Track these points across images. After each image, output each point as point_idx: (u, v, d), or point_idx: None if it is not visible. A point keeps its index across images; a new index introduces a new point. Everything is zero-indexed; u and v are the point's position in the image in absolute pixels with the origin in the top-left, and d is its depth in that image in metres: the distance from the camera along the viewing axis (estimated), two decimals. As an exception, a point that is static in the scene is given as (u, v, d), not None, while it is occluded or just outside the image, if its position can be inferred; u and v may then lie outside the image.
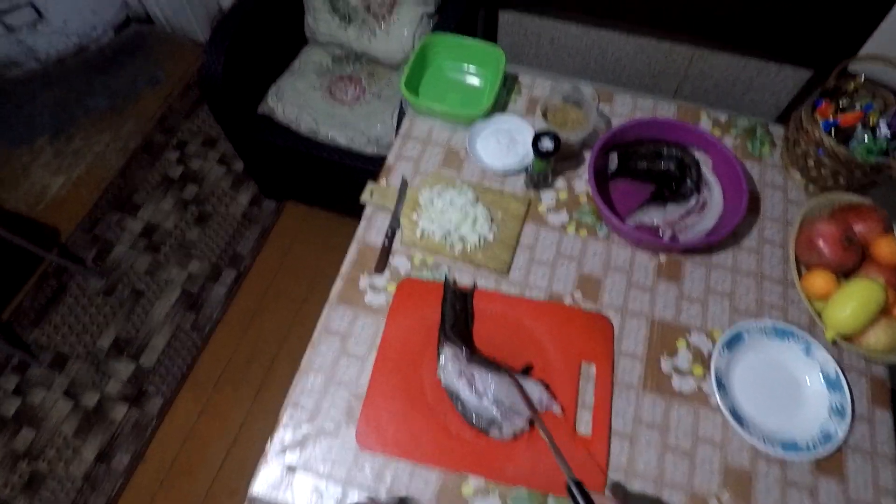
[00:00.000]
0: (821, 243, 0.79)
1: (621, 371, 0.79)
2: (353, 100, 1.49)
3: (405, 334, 0.81)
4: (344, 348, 0.82)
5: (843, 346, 0.78)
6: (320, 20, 1.54)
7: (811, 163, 0.89)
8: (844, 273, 0.81)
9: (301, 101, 1.48)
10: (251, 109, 1.52)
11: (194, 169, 1.96)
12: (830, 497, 0.71)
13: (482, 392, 0.73)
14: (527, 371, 0.77)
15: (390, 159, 1.00)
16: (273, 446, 0.75)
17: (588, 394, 0.77)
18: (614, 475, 0.72)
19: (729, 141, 1.01)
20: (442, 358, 0.77)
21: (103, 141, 2.03)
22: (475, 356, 0.76)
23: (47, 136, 2.03)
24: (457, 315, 0.81)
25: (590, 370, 0.79)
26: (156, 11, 2.21)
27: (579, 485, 0.58)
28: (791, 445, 0.72)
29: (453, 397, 0.75)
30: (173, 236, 1.82)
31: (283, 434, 0.75)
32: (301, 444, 0.75)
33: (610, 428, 0.75)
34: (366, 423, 0.76)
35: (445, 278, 0.85)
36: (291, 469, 0.73)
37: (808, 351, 0.78)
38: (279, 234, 1.84)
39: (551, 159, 0.87)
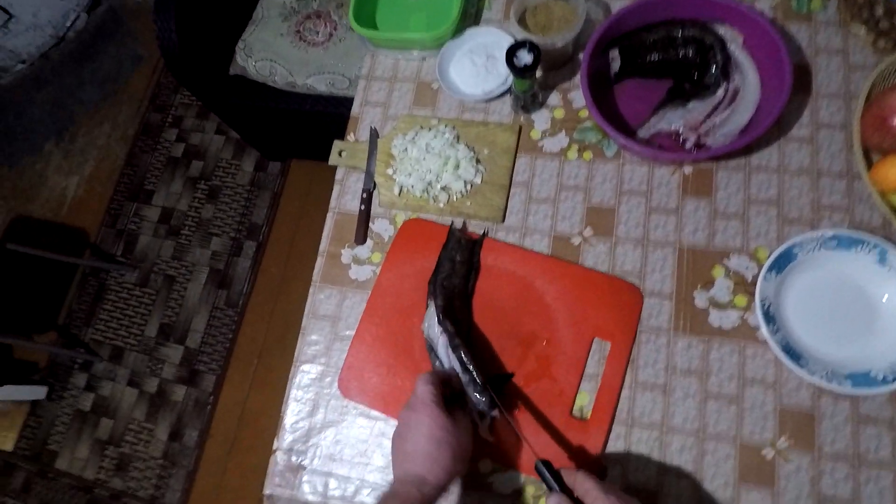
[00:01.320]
0: (894, 120, 0.61)
1: (647, 314, 0.68)
2: (326, 39, 1.33)
3: (400, 281, 0.74)
4: (335, 332, 0.75)
5: (929, 246, 0.62)
6: (270, -48, 1.35)
7: (880, 10, 0.68)
8: (930, 153, 0.63)
9: (271, 53, 1.34)
10: (223, 72, 1.40)
11: (195, 144, 1.90)
12: (916, 430, 0.59)
13: (443, 359, 0.64)
14: (499, 381, 0.64)
15: (355, 109, 0.87)
16: (280, 444, 0.72)
17: (595, 372, 0.67)
18: (646, 433, 0.64)
19: (764, 2, 0.79)
20: (428, 310, 0.69)
21: (104, 132, 1.99)
22: (445, 321, 0.66)
23: (53, 139, 2.02)
24: (454, 267, 0.71)
25: (603, 348, 0.68)
26: (120, -19, 2.07)
27: (547, 464, 0.51)
28: (863, 378, 0.59)
29: (432, 354, 0.67)
30: (190, 217, 1.81)
31: (287, 436, 0.72)
32: (307, 437, 0.71)
33: (613, 415, 0.65)
34: (348, 370, 0.72)
35: (451, 225, 0.74)
36: (301, 467, 0.70)
37: (883, 259, 0.62)
38: (290, 196, 1.78)
39: (534, 75, 0.71)
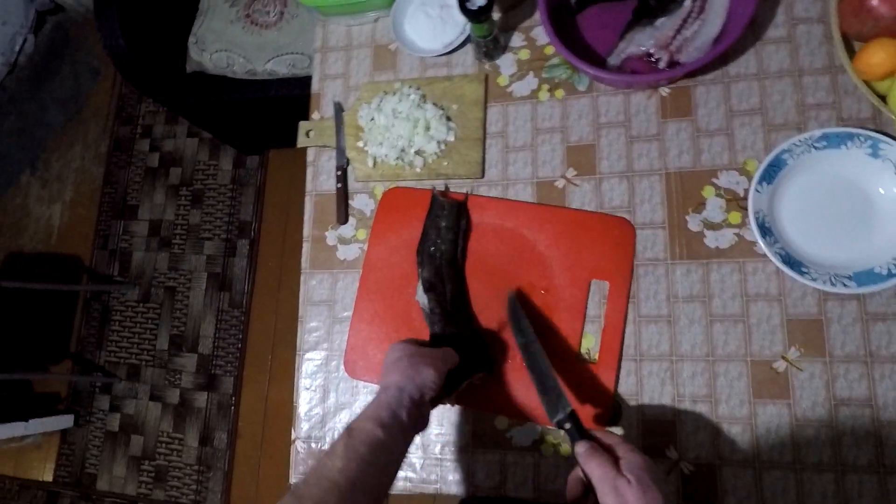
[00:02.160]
0: (874, 1, 0.57)
1: (641, 247, 0.67)
2: (278, 18, 1.28)
3: (389, 254, 0.73)
4: (333, 315, 0.74)
5: (922, 129, 0.59)
6: (204, -65, 1.28)
7: None
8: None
9: (225, 43, 1.29)
10: (180, 72, 1.36)
11: (169, 150, 1.86)
12: (927, 318, 0.58)
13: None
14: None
15: (314, 86, 0.84)
16: (298, 433, 0.72)
17: (597, 314, 0.66)
18: (656, 365, 0.63)
19: None
20: (419, 281, 0.68)
21: (77, 154, 1.95)
22: (428, 294, 0.65)
23: (27, 169, 1.98)
24: (440, 233, 0.69)
25: (602, 288, 0.66)
26: (60, -5, 1.98)
27: (573, 415, 0.51)
28: (867, 276, 0.58)
29: (428, 321, 0.66)
30: (178, 226, 1.78)
31: (303, 425, 0.72)
32: (322, 423, 0.71)
33: (621, 353, 0.64)
34: (351, 350, 0.71)
35: (433, 191, 0.72)
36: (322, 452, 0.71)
37: (875, 151, 0.60)
38: (273, 187, 1.75)
39: (490, 17, 0.68)
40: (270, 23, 1.28)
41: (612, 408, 0.62)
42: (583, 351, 0.65)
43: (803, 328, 0.61)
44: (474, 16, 0.66)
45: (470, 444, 0.67)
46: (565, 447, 0.64)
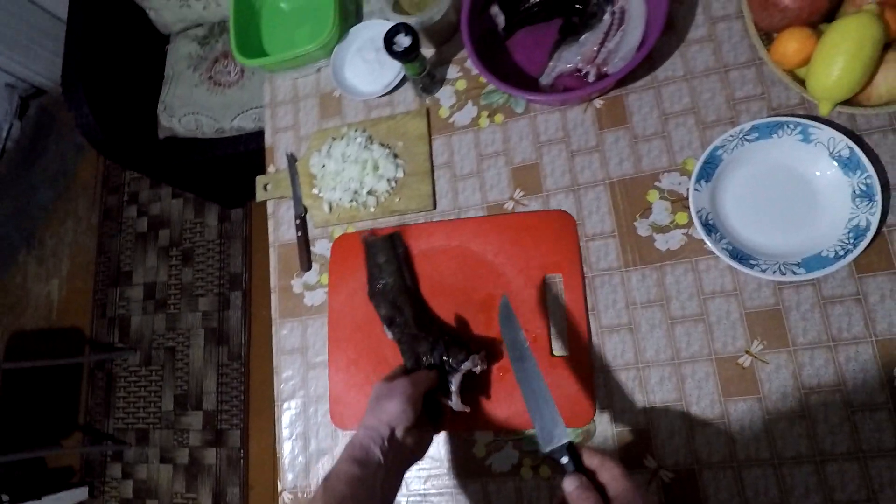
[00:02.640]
0: (777, -7, 0.59)
1: (594, 258, 0.67)
2: (238, 76, 1.32)
3: (350, 298, 0.74)
4: (306, 361, 0.75)
5: (848, 112, 0.60)
6: (160, 9, 1.34)
7: None
8: (824, 19, 0.61)
9: (192, 106, 1.34)
10: (153, 139, 1.40)
11: (156, 214, 1.90)
12: (884, 292, 0.58)
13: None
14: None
15: (267, 140, 0.86)
16: (284, 484, 0.72)
17: (558, 307, 0.66)
18: (623, 374, 0.63)
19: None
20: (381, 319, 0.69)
21: (69, 228, 2.01)
22: (392, 330, 0.66)
23: (23, 249, 2.04)
24: (382, 270, 0.70)
25: (556, 282, 0.67)
26: (42, 81, 2.07)
27: (570, 446, 0.48)
28: (815, 261, 0.58)
29: (404, 354, 0.67)
30: (172, 286, 1.81)
31: (288, 475, 0.72)
32: (306, 471, 0.72)
33: (590, 339, 0.64)
34: (335, 402, 0.71)
35: (361, 235, 0.74)
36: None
37: (806, 137, 0.60)
38: (259, 237, 1.77)
39: (418, 55, 0.70)
40: (232, 81, 1.32)
41: (594, 399, 0.62)
42: (554, 347, 0.65)
43: (763, 320, 0.60)
44: (401, 57, 0.68)
45: (451, 475, 0.66)
46: (545, 469, 0.63)
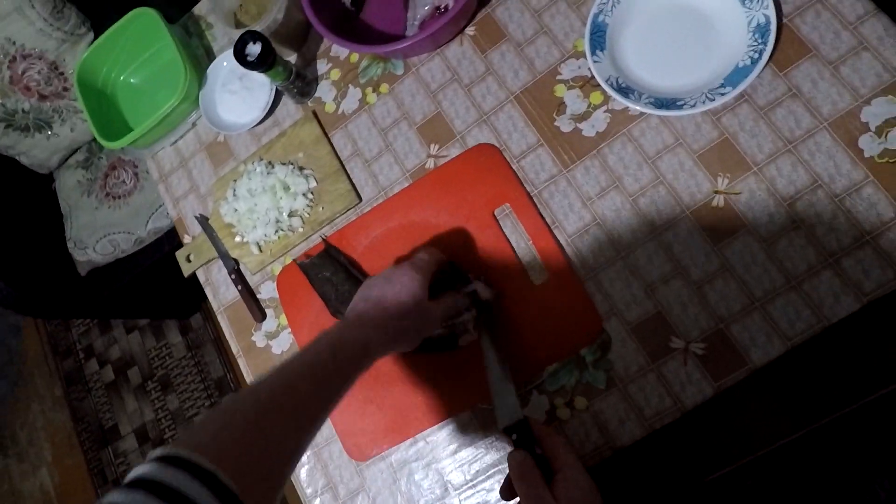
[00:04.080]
0: None
1: (533, 174, 0.63)
2: (134, 181, 1.26)
3: (315, 326, 0.68)
4: (300, 411, 0.68)
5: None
6: (29, 150, 1.27)
7: None
8: None
9: (101, 230, 1.26)
10: (76, 279, 1.32)
11: (118, 357, 1.79)
12: (813, 78, 0.55)
13: None
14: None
15: (172, 214, 0.81)
16: (326, 550, 0.64)
17: (520, 235, 0.62)
18: (612, 271, 0.59)
19: None
20: None
21: (36, 412, 1.87)
22: None
23: (-2, 453, 1.89)
24: (333, 282, 0.65)
25: (508, 213, 0.63)
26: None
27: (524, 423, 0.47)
28: (736, 74, 0.55)
29: None
30: (162, 420, 1.70)
31: (323, 533, 0.65)
32: (346, 523, 0.64)
33: (564, 253, 0.60)
34: (346, 437, 0.65)
35: (295, 262, 0.69)
36: (357, 553, 0.63)
37: (673, -33, 0.59)
38: (230, 332, 1.69)
39: (275, 60, 0.66)
40: (130, 189, 1.26)
41: (595, 309, 0.58)
42: (532, 276, 0.60)
43: (716, 155, 0.57)
44: (259, 66, 0.64)
45: (486, 453, 0.60)
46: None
